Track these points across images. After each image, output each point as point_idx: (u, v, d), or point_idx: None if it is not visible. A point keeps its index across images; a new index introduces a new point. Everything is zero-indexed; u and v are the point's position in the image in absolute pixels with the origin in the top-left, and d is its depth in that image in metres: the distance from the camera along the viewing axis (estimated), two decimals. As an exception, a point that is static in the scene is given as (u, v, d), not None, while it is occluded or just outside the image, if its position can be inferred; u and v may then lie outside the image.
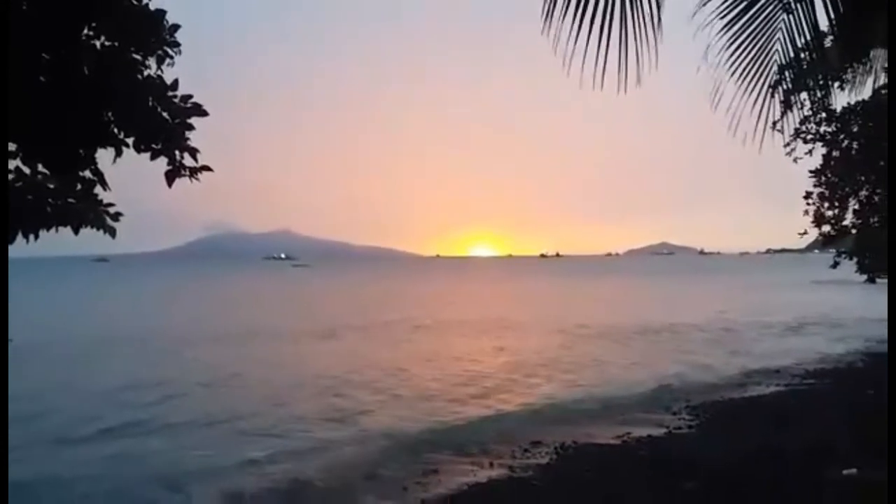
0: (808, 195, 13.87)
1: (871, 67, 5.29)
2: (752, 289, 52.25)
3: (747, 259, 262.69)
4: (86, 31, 3.03)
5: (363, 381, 14.84)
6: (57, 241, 3.26)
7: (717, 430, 10.08)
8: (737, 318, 27.99)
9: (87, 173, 3.21)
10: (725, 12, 4.18)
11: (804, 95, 4.46)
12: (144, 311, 36.64)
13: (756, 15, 4.20)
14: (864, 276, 16.76)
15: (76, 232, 3.19)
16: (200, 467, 8.67)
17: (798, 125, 12.16)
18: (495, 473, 8.36)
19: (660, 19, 3.78)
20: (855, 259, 15.74)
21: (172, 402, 12.75)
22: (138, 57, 3.17)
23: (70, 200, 3.18)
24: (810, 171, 13.74)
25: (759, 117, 4.29)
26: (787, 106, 4.41)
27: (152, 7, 3.18)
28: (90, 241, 3.45)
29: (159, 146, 3.25)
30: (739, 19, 4.20)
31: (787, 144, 12.47)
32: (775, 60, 4.28)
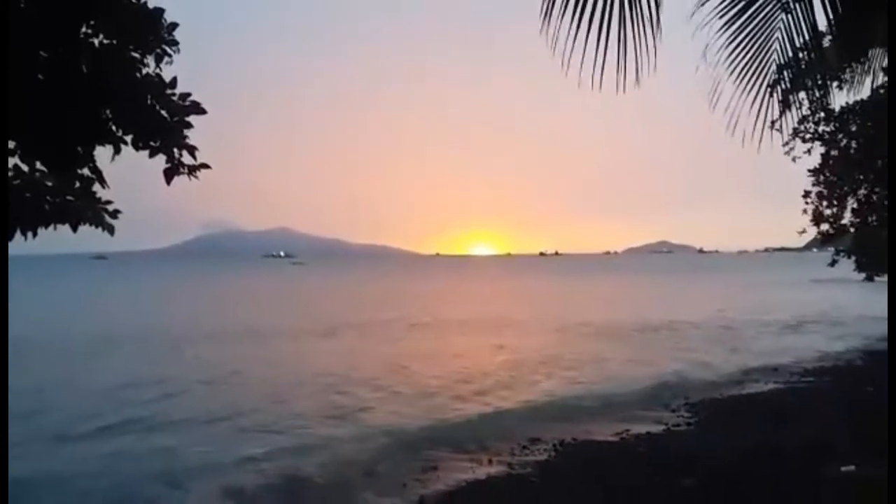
0: (806, 194, 13.91)
1: (869, 67, 5.30)
2: (751, 287, 52.29)
3: (746, 257, 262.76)
4: (84, 30, 3.03)
5: (363, 378, 14.84)
6: (55, 239, 3.29)
7: (715, 427, 10.09)
8: (736, 316, 27.94)
9: (86, 171, 3.22)
10: (724, 12, 4.18)
11: (803, 95, 4.47)
12: (144, 308, 36.61)
13: (755, 14, 4.20)
14: (863, 275, 16.80)
15: (75, 229, 3.19)
16: (200, 464, 8.67)
17: (797, 125, 12.20)
18: (494, 470, 8.37)
19: (658, 19, 3.78)
20: (853, 257, 15.77)
21: (172, 400, 12.75)
22: (137, 55, 3.18)
23: (68, 198, 3.18)
24: (809, 171, 13.78)
25: (757, 117, 4.30)
26: (785, 105, 4.41)
27: (151, 5, 3.18)
28: (89, 238, 3.46)
29: (158, 144, 3.26)
30: (738, 19, 4.21)
31: (786, 144, 12.52)
32: (774, 60, 4.28)
